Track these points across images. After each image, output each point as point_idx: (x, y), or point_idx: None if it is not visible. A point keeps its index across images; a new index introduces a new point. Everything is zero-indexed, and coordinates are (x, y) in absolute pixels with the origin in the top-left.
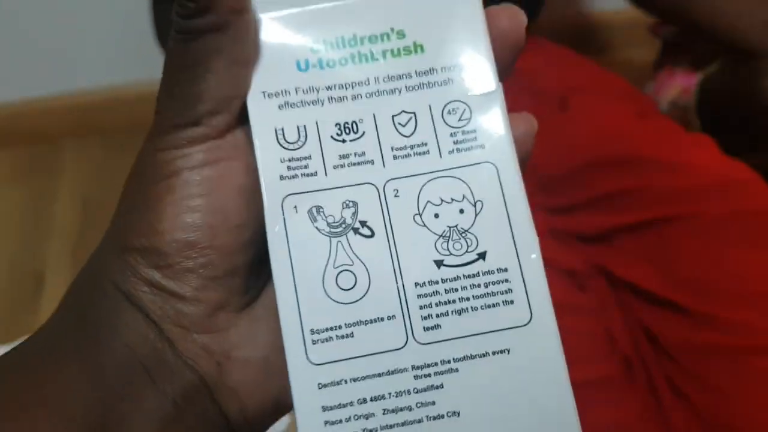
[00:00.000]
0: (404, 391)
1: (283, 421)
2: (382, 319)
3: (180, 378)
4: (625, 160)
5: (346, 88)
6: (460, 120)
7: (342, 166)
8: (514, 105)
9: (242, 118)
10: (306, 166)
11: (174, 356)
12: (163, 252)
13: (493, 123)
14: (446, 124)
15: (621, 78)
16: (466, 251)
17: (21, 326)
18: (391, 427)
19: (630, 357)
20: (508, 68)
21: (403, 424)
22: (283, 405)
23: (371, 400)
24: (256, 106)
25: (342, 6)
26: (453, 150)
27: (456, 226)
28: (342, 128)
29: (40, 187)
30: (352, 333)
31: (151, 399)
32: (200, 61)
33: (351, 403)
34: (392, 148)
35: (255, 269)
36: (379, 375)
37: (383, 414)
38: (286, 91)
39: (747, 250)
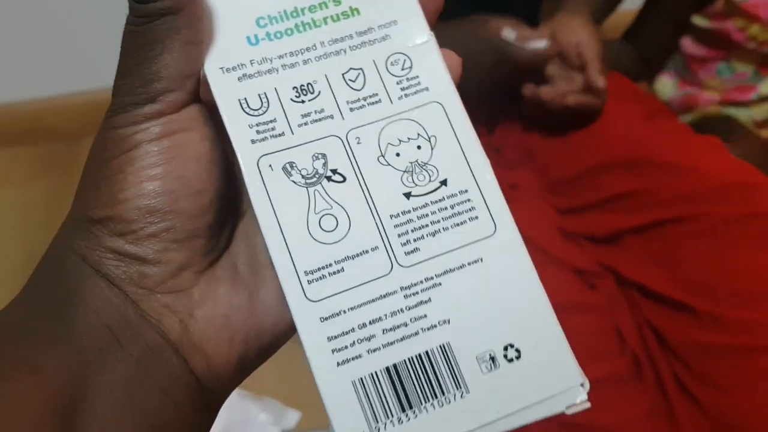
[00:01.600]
0: (398, 310)
1: (293, 418)
2: (367, 252)
3: (144, 338)
4: (633, 162)
5: (295, 54)
6: (402, 69)
7: (305, 123)
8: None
9: (196, 96)
10: (273, 129)
11: (138, 317)
12: (126, 219)
13: (433, 67)
14: (391, 74)
15: (629, 80)
16: (429, 181)
17: None
18: (391, 343)
19: (639, 355)
20: (432, 22)
21: (402, 338)
22: (248, 362)
23: (370, 323)
24: (217, 81)
25: None
26: (402, 96)
27: (416, 161)
28: (299, 90)
29: (58, 184)
30: (342, 268)
31: (116, 360)
32: (156, 42)
33: (353, 329)
34: (347, 102)
35: (215, 233)
36: (373, 300)
37: (383, 333)
38: (242, 65)
39: (753, 251)
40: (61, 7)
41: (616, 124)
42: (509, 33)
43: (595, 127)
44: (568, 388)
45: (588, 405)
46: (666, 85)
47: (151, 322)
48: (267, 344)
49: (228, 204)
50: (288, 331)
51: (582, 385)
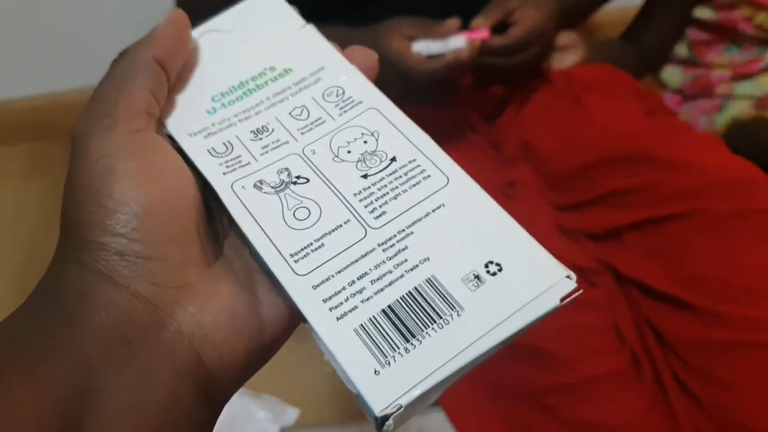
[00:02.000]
0: (380, 262)
1: (292, 415)
2: (341, 226)
3: (155, 335)
4: (632, 158)
5: (247, 111)
6: (337, 96)
7: (266, 152)
8: (534, 98)
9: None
10: (240, 161)
11: (149, 314)
12: (122, 220)
13: (360, 87)
14: (329, 102)
15: (630, 76)
16: (381, 161)
17: None
18: (381, 290)
19: (637, 352)
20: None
21: (390, 283)
22: (252, 361)
23: (358, 279)
24: (188, 142)
25: (224, 64)
26: (341, 113)
27: (366, 151)
28: (255, 132)
29: (57, 181)
30: (322, 243)
31: (123, 363)
32: (126, 80)
33: (344, 288)
34: (298, 129)
35: (206, 233)
36: (356, 261)
37: (371, 284)
38: (205, 128)
39: (752, 247)
40: (59, 3)
41: (616, 121)
42: (420, 46)
43: (596, 124)
44: (556, 282)
45: (581, 290)
46: (673, 74)
47: (163, 316)
48: (268, 342)
49: (210, 211)
50: (286, 331)
51: (569, 277)
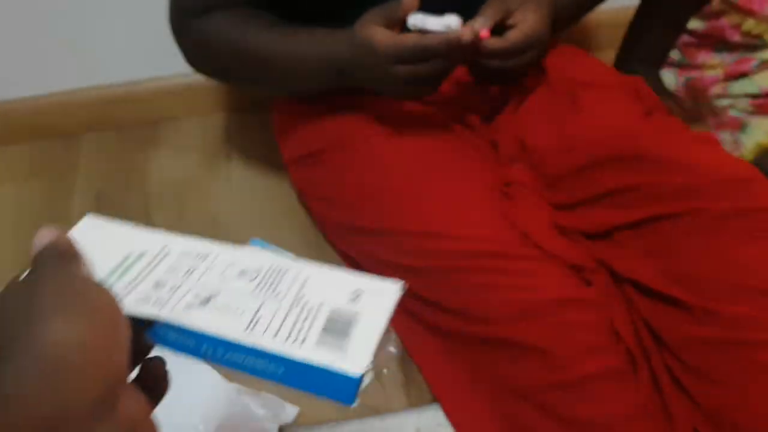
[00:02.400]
0: (299, 313)
1: (291, 413)
2: (261, 307)
3: (110, 415)
4: (629, 157)
5: (129, 283)
6: (187, 255)
7: (173, 292)
8: (531, 97)
9: None
10: (164, 300)
11: (103, 403)
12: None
13: (198, 245)
14: (186, 259)
15: (629, 75)
16: (253, 273)
17: None
18: (312, 324)
19: (633, 351)
20: None
21: (314, 320)
22: None
23: (293, 324)
24: None
25: (93, 255)
26: (202, 260)
27: (240, 271)
28: (155, 285)
29: (57, 181)
30: (259, 317)
31: None
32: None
33: (290, 331)
34: (181, 276)
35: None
36: (285, 317)
37: (303, 322)
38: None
39: (748, 246)
40: (59, 3)
41: (612, 121)
42: (416, 19)
43: (592, 123)
44: (393, 286)
45: (405, 288)
46: (667, 77)
47: (114, 402)
48: None
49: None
50: None
51: (396, 284)
